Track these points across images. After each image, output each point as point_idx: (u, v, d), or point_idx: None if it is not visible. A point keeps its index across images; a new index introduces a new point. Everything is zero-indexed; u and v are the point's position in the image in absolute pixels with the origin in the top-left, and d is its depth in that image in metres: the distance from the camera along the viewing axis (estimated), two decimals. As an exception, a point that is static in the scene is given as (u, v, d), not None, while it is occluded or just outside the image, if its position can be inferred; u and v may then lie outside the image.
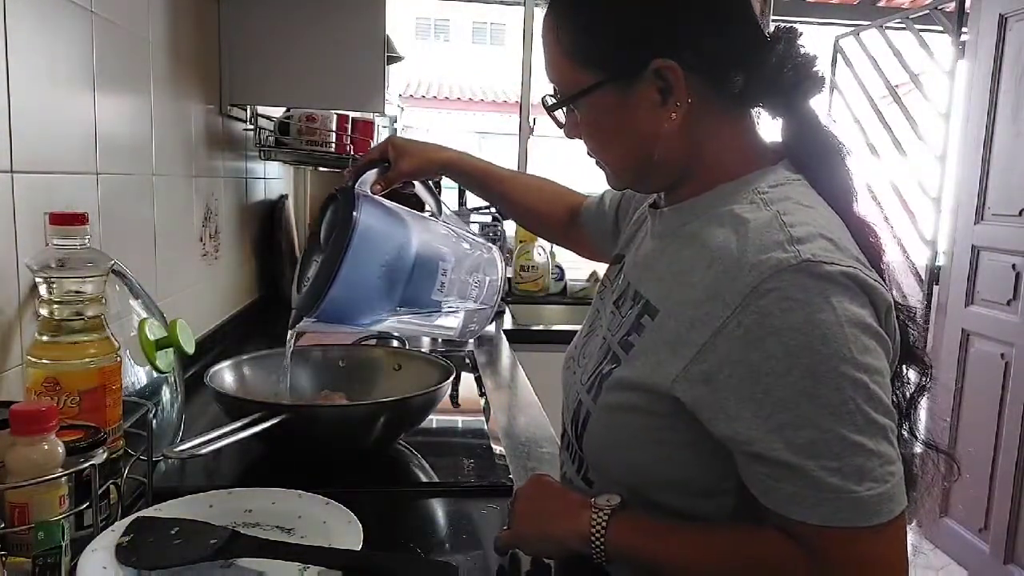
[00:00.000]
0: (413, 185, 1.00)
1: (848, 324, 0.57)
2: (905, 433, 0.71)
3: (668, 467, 0.67)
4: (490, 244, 1.00)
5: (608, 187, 0.80)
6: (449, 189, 2.48)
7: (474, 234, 1.02)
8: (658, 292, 0.69)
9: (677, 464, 0.67)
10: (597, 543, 0.67)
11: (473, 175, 1.06)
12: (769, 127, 0.72)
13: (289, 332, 0.93)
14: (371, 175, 0.93)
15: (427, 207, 1.00)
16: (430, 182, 1.01)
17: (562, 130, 0.76)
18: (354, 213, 0.82)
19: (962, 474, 0.73)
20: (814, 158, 0.69)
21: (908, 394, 0.71)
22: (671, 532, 0.67)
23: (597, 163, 0.76)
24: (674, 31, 0.66)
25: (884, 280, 0.65)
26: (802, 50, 0.68)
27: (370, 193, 0.90)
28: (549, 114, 0.75)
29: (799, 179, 0.68)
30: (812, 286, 0.57)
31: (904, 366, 0.69)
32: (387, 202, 0.92)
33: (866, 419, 0.57)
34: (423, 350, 1.51)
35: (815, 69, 0.68)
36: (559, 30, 0.70)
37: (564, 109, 0.73)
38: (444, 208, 1.00)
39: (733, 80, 0.67)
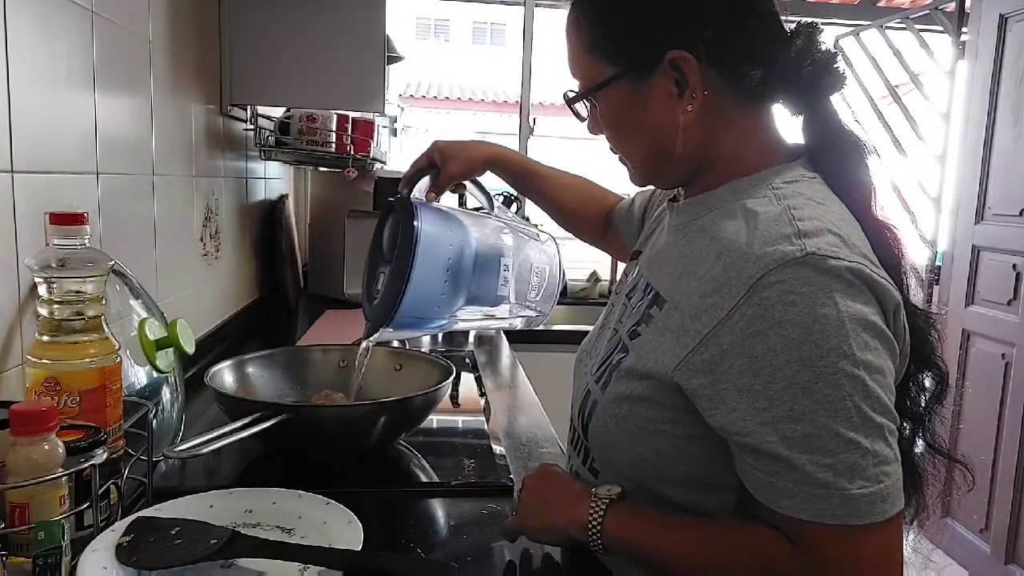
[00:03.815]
0: (464, 186, 1.01)
1: (850, 320, 0.57)
2: (919, 440, 0.71)
3: (670, 460, 0.67)
4: (546, 234, 1.02)
5: (634, 185, 0.81)
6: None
7: (525, 225, 1.03)
8: (668, 283, 0.69)
9: (679, 457, 0.67)
10: (594, 532, 0.67)
11: (517, 171, 1.07)
12: (791, 125, 0.72)
13: (364, 343, 0.94)
14: (424, 182, 0.94)
15: (473, 202, 1.03)
16: (478, 180, 1.02)
17: (585, 124, 0.76)
18: (415, 223, 0.84)
19: (976, 483, 0.73)
20: (833, 156, 0.69)
21: (924, 401, 0.70)
22: (667, 525, 0.67)
23: (620, 159, 0.76)
24: (689, 23, 0.66)
25: (903, 283, 0.65)
26: (822, 46, 0.68)
27: (424, 200, 0.91)
28: (570, 107, 0.76)
29: (815, 177, 0.68)
30: (815, 280, 0.57)
31: (921, 373, 0.69)
32: (443, 206, 0.94)
33: (862, 417, 0.57)
34: (423, 350, 1.51)
35: (835, 66, 0.68)
36: (579, 25, 0.72)
37: (586, 104, 0.74)
38: (495, 202, 1.02)
39: (750, 74, 0.67)
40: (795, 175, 0.68)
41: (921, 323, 0.67)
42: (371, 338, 0.90)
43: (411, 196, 0.90)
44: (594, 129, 0.76)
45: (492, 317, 0.97)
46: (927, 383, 0.70)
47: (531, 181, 1.08)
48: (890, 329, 0.60)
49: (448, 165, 0.95)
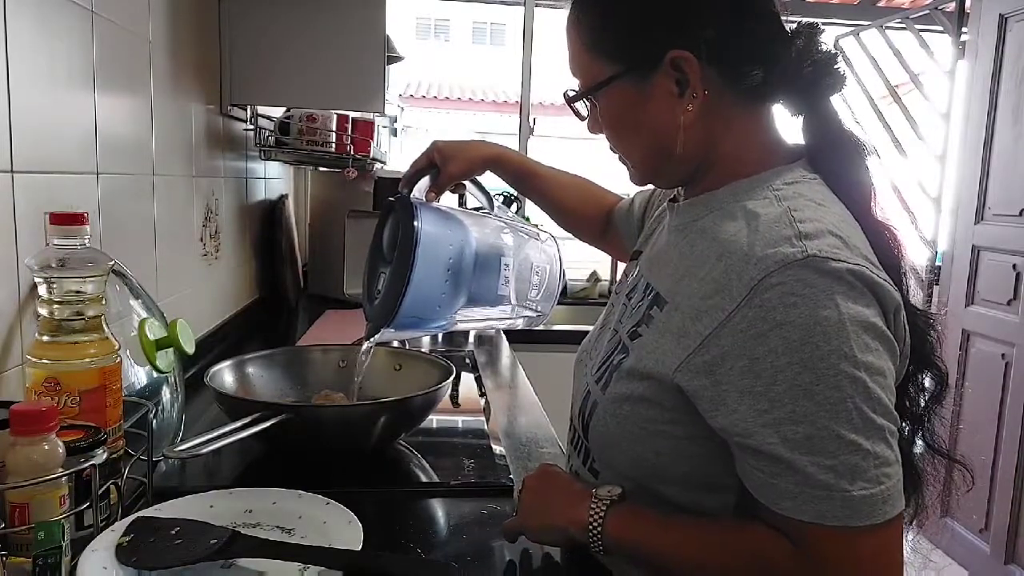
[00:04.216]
0: (464, 186, 1.01)
1: (851, 322, 0.57)
2: (919, 440, 0.71)
3: (670, 460, 0.67)
4: (547, 233, 1.02)
5: (634, 184, 0.81)
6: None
7: (525, 224, 1.03)
8: (668, 284, 0.69)
9: (679, 457, 0.67)
10: (595, 533, 0.67)
11: (516, 171, 1.07)
12: (791, 126, 0.72)
13: (366, 344, 0.94)
14: (424, 182, 0.94)
15: (472, 202, 1.03)
16: (478, 179, 1.02)
17: (584, 124, 0.77)
18: (415, 223, 0.84)
19: (975, 483, 0.74)
20: (833, 157, 0.69)
21: (923, 402, 0.70)
22: (667, 525, 0.67)
23: (619, 159, 0.77)
24: (690, 23, 0.66)
25: (903, 284, 0.65)
26: (823, 47, 0.68)
27: (424, 200, 0.91)
28: (570, 107, 0.76)
29: (815, 178, 0.68)
30: (817, 282, 0.57)
31: (921, 373, 0.69)
32: (442, 206, 0.94)
33: (863, 419, 0.57)
34: (423, 350, 1.51)
35: (836, 66, 0.68)
36: (579, 24, 0.72)
37: (586, 104, 0.75)
38: (495, 202, 1.02)
39: (751, 74, 0.67)
40: (795, 176, 0.68)
41: (921, 324, 0.67)
42: (372, 339, 0.90)
43: (411, 196, 0.90)
44: (594, 128, 0.76)
45: (493, 317, 0.97)
46: (927, 383, 0.71)
47: (531, 181, 1.08)
48: (891, 330, 0.61)
49: (448, 165, 0.95)
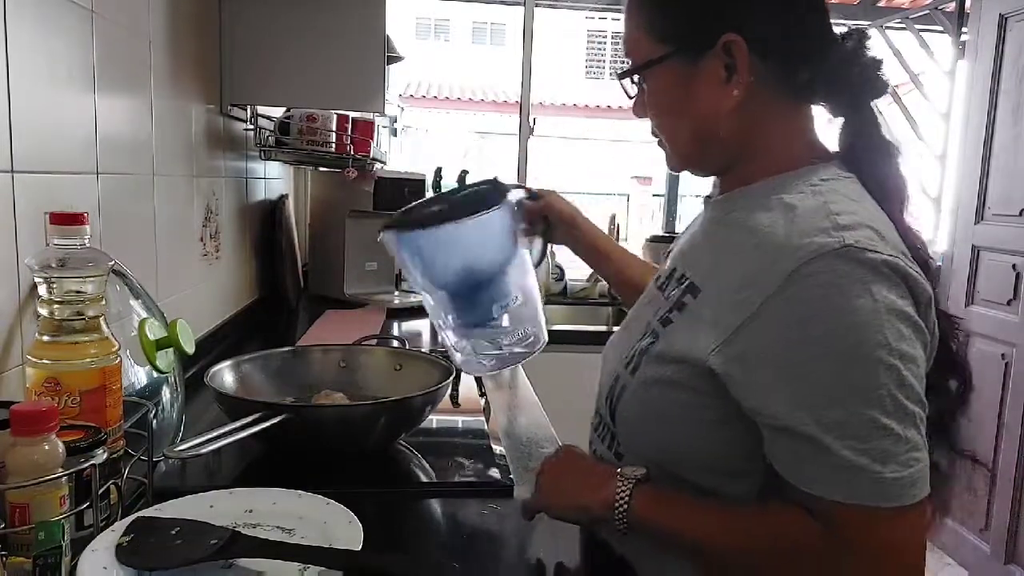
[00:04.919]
0: (539, 227, 1.05)
1: (886, 311, 0.58)
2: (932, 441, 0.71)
3: (698, 445, 0.68)
4: (545, 330, 1.03)
5: (671, 171, 0.82)
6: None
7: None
8: (703, 273, 0.71)
9: (707, 442, 0.68)
10: (620, 511, 0.68)
11: (593, 240, 1.08)
12: (824, 127, 0.74)
13: (381, 234, 0.92)
14: (521, 192, 1.01)
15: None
16: (549, 244, 1.07)
17: (631, 103, 0.78)
18: (503, 202, 0.89)
19: (997, 484, 0.75)
20: (872, 160, 0.70)
21: (946, 405, 0.71)
22: (693, 505, 0.68)
23: (659, 143, 0.78)
24: (745, 11, 0.68)
25: (933, 284, 0.66)
26: (869, 52, 0.70)
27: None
28: (620, 83, 0.77)
29: (850, 177, 0.69)
30: (852, 272, 0.58)
31: (944, 377, 0.70)
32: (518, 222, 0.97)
33: (896, 404, 0.58)
34: (423, 350, 1.51)
35: (879, 72, 0.70)
36: (639, 4, 0.73)
37: (636, 87, 0.76)
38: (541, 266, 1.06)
39: (798, 71, 0.69)
40: (831, 174, 0.69)
41: (945, 326, 0.68)
42: (387, 231, 0.90)
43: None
44: (639, 111, 0.77)
45: (454, 330, 0.97)
46: (949, 386, 0.71)
47: (605, 253, 1.09)
48: (922, 320, 0.61)
49: (546, 195, 1.04)
